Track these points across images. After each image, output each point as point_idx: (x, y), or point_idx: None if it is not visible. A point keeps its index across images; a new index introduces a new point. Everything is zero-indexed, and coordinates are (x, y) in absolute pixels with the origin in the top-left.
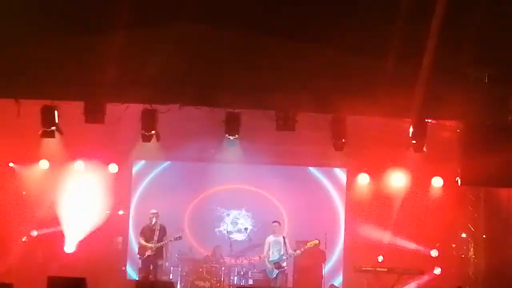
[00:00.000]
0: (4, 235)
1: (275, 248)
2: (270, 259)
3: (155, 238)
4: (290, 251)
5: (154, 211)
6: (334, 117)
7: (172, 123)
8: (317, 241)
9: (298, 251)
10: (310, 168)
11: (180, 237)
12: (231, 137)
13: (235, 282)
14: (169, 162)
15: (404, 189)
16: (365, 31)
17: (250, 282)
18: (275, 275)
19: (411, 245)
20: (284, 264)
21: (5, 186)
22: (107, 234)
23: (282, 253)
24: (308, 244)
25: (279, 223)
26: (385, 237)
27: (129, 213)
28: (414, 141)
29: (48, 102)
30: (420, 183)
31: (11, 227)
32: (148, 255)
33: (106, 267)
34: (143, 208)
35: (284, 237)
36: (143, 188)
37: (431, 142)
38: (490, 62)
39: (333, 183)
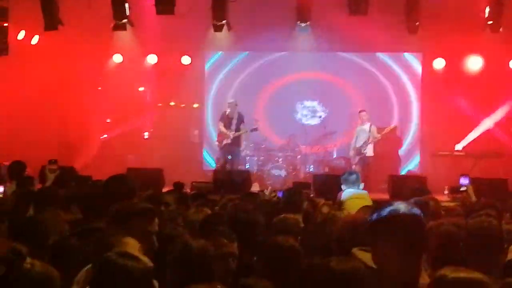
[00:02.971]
0: (82, 129)
1: (361, 136)
2: (356, 146)
3: (233, 127)
4: (371, 137)
5: (231, 100)
6: None
7: (243, 12)
8: (393, 126)
9: (376, 137)
10: (384, 54)
11: (256, 129)
12: (302, 24)
13: (311, 170)
14: (241, 52)
15: (481, 72)
16: None
17: (326, 170)
18: (356, 161)
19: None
20: (364, 150)
21: (81, 82)
22: (183, 126)
23: (366, 140)
24: (386, 129)
25: (365, 111)
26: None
27: (204, 105)
28: (490, 22)
29: None
30: (497, 65)
31: (89, 122)
32: (226, 143)
33: (183, 159)
34: (218, 100)
35: (370, 125)
36: (217, 80)
37: (508, 22)
38: None
39: (408, 68)
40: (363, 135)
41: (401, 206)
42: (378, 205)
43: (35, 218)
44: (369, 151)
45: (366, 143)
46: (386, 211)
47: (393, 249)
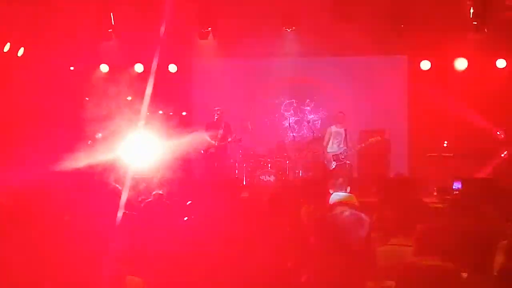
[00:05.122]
0: (69, 140)
1: (335, 139)
2: (328, 150)
3: (219, 136)
4: (350, 144)
5: (216, 108)
6: (392, 2)
7: (228, 19)
8: (379, 138)
9: (359, 146)
10: (370, 57)
11: (240, 140)
12: (288, 29)
13: (300, 175)
14: (228, 59)
15: (467, 72)
16: None
17: (315, 174)
18: (333, 167)
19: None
20: (343, 157)
21: (68, 93)
22: (172, 135)
23: (342, 145)
24: (370, 140)
25: (344, 114)
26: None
27: (192, 113)
28: (475, 23)
29: (103, 4)
30: (483, 66)
31: (76, 133)
32: (211, 152)
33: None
34: (205, 107)
35: (345, 130)
36: (204, 86)
37: (493, 23)
38: None
39: (394, 71)
40: (338, 138)
41: (337, 211)
42: (320, 212)
43: None
44: (344, 156)
45: (345, 150)
46: (326, 219)
47: (335, 254)
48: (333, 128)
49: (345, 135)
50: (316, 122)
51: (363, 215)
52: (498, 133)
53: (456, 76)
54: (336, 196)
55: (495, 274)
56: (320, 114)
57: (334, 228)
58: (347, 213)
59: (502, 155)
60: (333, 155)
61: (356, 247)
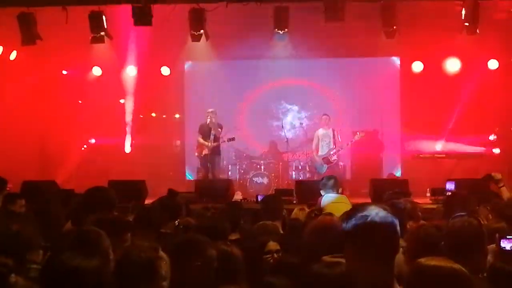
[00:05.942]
0: (63, 143)
1: (324, 141)
2: (319, 153)
3: (212, 136)
4: (338, 144)
5: (210, 109)
6: (383, 3)
7: (220, 21)
8: (363, 134)
9: (345, 145)
10: (362, 58)
11: (233, 139)
12: (280, 32)
13: (293, 176)
14: (220, 61)
15: (459, 73)
16: None
17: (309, 176)
18: (325, 170)
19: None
20: (333, 158)
21: (61, 96)
22: (165, 137)
23: (331, 146)
24: (355, 137)
25: (329, 116)
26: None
27: (185, 115)
28: (466, 24)
29: (95, 8)
30: (475, 67)
31: (70, 136)
32: (206, 154)
33: (165, 170)
34: (198, 110)
35: (333, 130)
36: (197, 89)
37: (485, 24)
38: None
39: (386, 72)
40: (327, 140)
41: (372, 213)
42: (350, 211)
43: (15, 233)
44: (335, 156)
45: (332, 150)
46: (359, 220)
47: (367, 258)
48: (320, 131)
49: (333, 135)
50: (309, 123)
51: (394, 218)
52: (489, 137)
53: (448, 77)
54: (328, 197)
55: (483, 275)
56: (313, 115)
57: (371, 231)
58: (381, 214)
59: (494, 150)
60: (323, 158)
61: (391, 250)
